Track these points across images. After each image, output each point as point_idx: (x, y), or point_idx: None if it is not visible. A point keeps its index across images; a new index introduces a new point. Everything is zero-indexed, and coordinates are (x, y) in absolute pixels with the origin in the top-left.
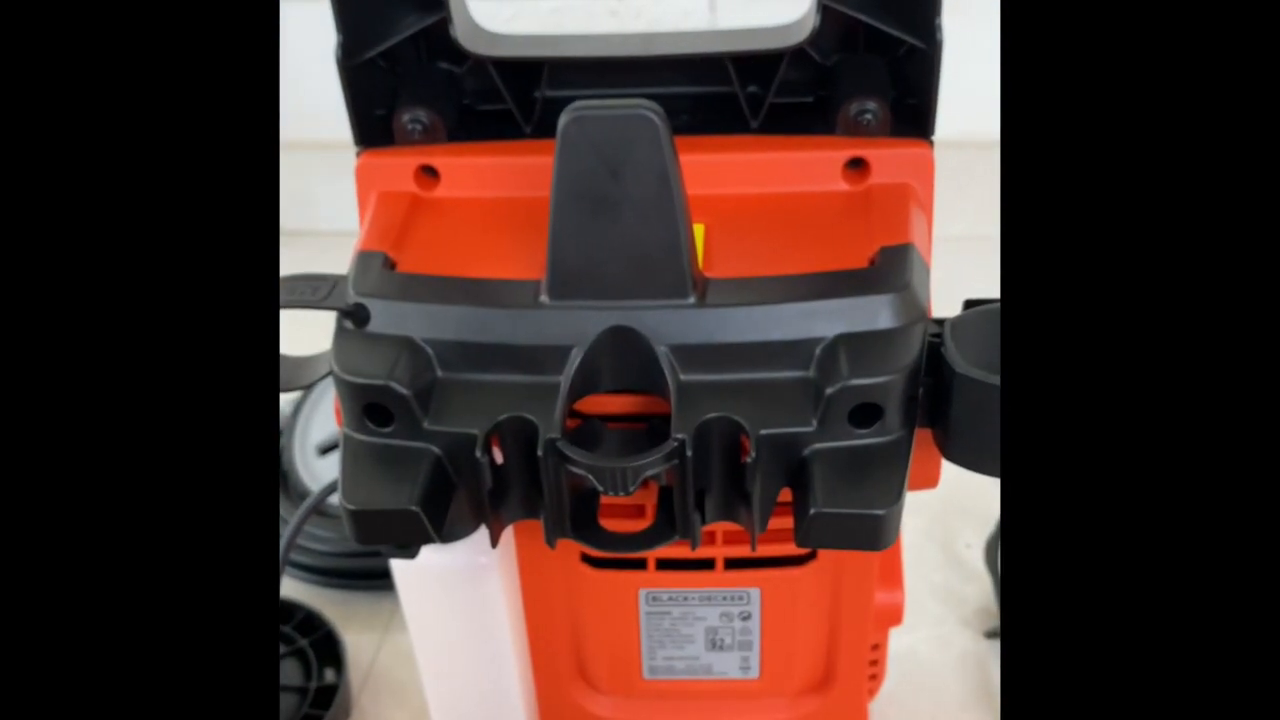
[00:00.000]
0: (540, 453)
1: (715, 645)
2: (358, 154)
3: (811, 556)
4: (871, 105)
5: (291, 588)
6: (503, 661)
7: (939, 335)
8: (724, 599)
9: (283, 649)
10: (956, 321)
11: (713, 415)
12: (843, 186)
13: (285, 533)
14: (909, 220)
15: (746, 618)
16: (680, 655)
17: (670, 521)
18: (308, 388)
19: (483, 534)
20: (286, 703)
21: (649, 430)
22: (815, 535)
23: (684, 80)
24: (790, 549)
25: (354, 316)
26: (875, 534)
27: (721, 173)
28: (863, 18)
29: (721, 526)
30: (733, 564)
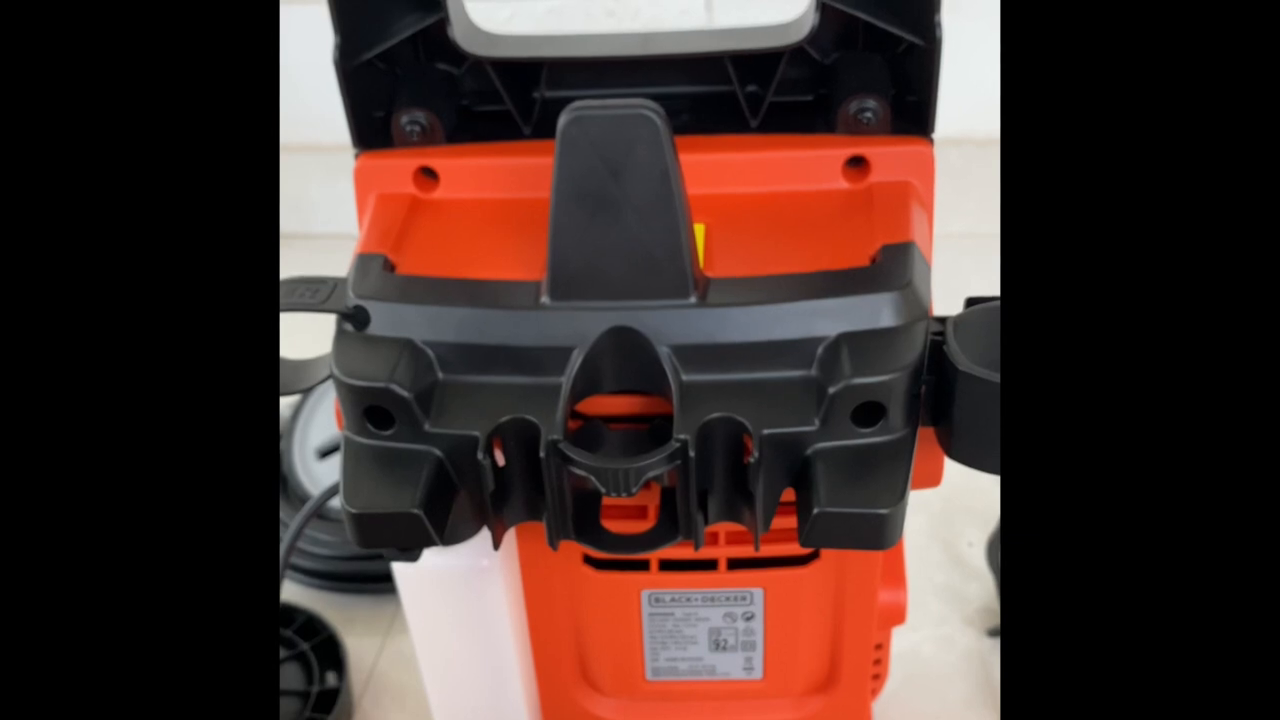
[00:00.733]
0: (542, 454)
1: (718, 646)
2: (356, 156)
3: (815, 556)
4: (871, 103)
5: (292, 591)
6: (505, 664)
7: (941, 333)
8: (727, 599)
9: (284, 653)
10: (959, 319)
11: (715, 415)
12: (843, 185)
13: (286, 536)
14: (910, 218)
15: (750, 618)
16: (683, 656)
17: (673, 522)
18: (307, 391)
19: (485, 536)
20: (288, 707)
21: (651, 431)
22: (819, 535)
23: (683, 80)
24: (793, 549)
25: (354, 319)
26: (879, 533)
27: (721, 172)
28: (862, 15)
29: (724, 527)
30: (736, 564)
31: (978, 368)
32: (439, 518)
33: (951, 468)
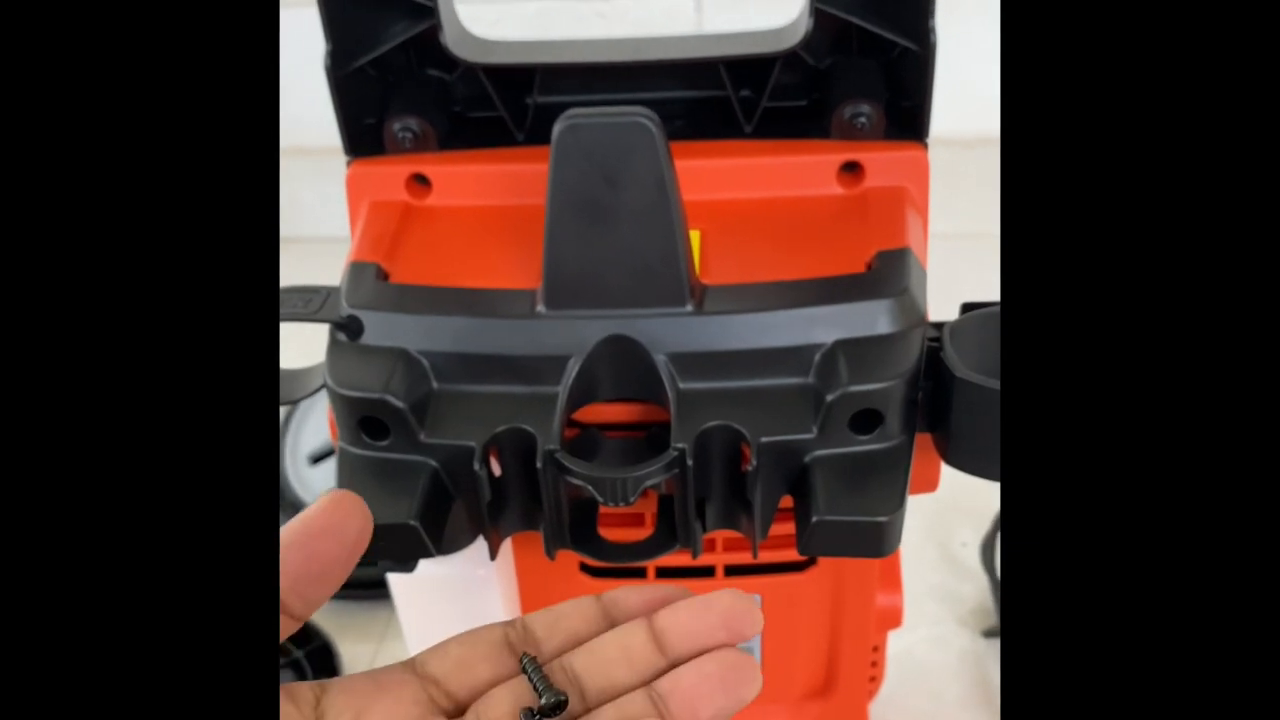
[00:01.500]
0: (539, 464)
1: None
2: (348, 163)
3: (812, 563)
4: (865, 108)
5: None
6: None
7: (938, 339)
8: None
9: None
10: (955, 326)
11: (713, 423)
12: (838, 190)
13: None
14: (905, 224)
15: None
16: None
17: (671, 530)
18: (301, 400)
19: (481, 545)
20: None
21: (648, 439)
22: (817, 543)
23: (677, 85)
24: (791, 555)
25: (347, 329)
26: (878, 540)
27: (716, 178)
28: (856, 20)
29: (721, 533)
30: (733, 571)
31: (974, 374)
32: (435, 528)
33: (945, 467)
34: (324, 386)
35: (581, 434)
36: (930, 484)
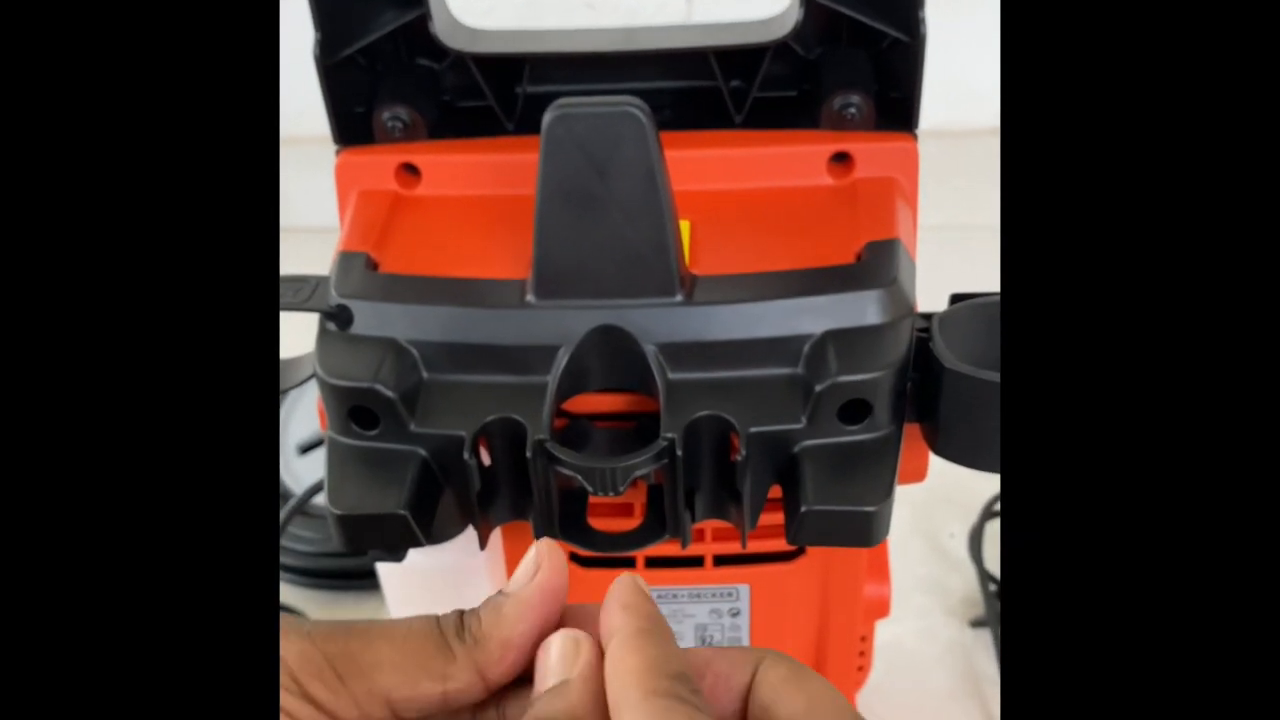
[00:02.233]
0: (529, 454)
1: (705, 642)
2: (337, 153)
3: (800, 552)
4: (855, 99)
5: None
6: None
7: (927, 330)
8: (713, 596)
9: None
10: (944, 316)
11: (702, 414)
12: (827, 181)
13: None
14: (894, 215)
15: (736, 614)
16: None
17: (660, 520)
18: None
19: (470, 534)
20: None
21: (638, 429)
22: (806, 532)
23: (667, 75)
24: (779, 545)
25: (337, 318)
26: (866, 530)
27: (706, 168)
28: (846, 11)
29: (710, 523)
30: (722, 561)
31: (964, 365)
32: (425, 518)
33: (933, 459)
34: (313, 376)
35: (571, 424)
36: (918, 474)
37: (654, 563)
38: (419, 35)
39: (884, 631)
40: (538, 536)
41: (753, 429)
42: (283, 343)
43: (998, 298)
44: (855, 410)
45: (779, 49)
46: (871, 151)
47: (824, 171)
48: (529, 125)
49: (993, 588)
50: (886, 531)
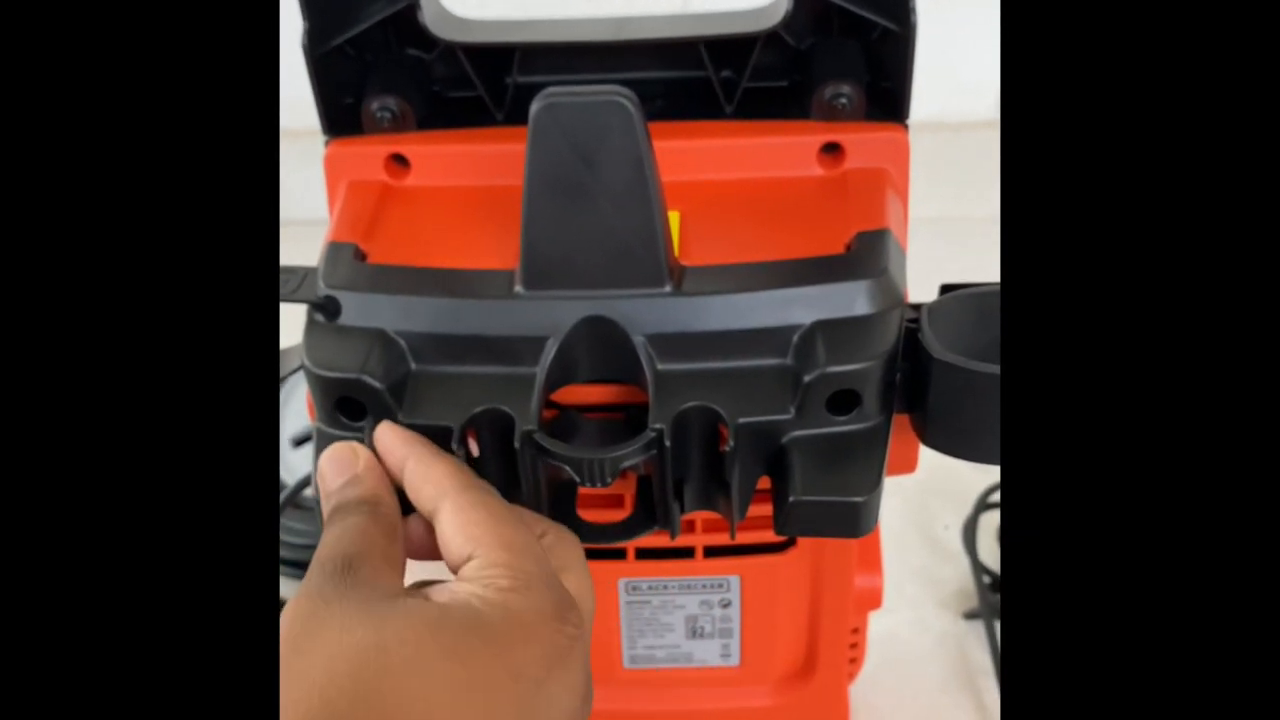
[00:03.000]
0: (517, 445)
1: (695, 633)
2: (326, 143)
3: (791, 543)
4: (846, 89)
5: None
6: None
7: (916, 320)
8: (704, 587)
9: None
10: (933, 307)
11: (691, 404)
12: (818, 171)
13: None
14: (885, 205)
15: (726, 605)
16: (660, 644)
17: (649, 511)
18: (279, 381)
19: None
20: None
21: (626, 420)
22: (794, 523)
23: (657, 65)
24: (769, 536)
25: (325, 309)
26: (854, 520)
27: (696, 158)
28: (836, 0)
29: (700, 515)
30: (712, 552)
31: (952, 355)
32: (413, 509)
33: (927, 450)
34: (301, 368)
35: (560, 415)
36: (908, 465)
37: (644, 554)
38: (408, 25)
39: (877, 623)
40: None
41: (741, 420)
42: None
43: (987, 288)
44: (844, 401)
45: (769, 39)
46: (862, 142)
47: (814, 162)
48: (519, 116)
49: (986, 580)
50: (875, 522)
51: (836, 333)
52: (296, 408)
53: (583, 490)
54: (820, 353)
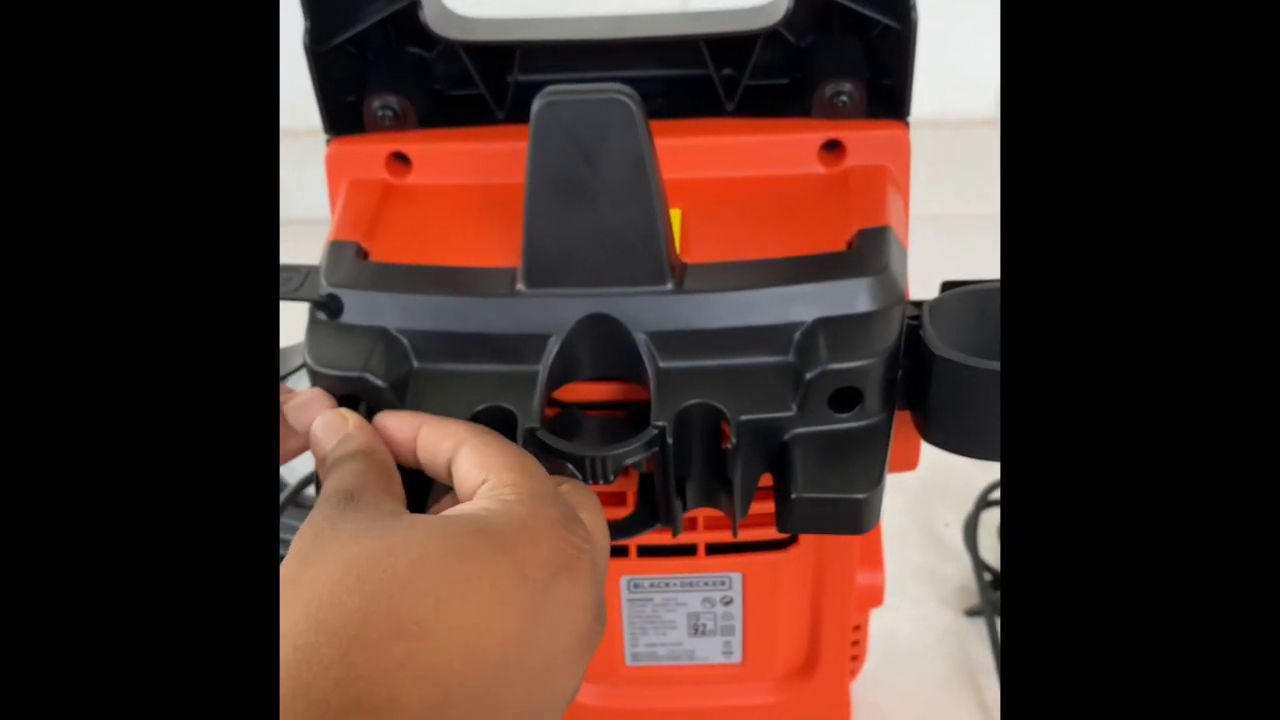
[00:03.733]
0: (519, 442)
1: (698, 631)
2: (327, 141)
3: (793, 541)
4: (847, 87)
5: None
6: None
7: (917, 318)
8: (706, 584)
9: None
10: (934, 304)
11: (693, 402)
12: (819, 169)
13: None
14: (886, 202)
15: (728, 603)
16: (663, 642)
17: (651, 509)
18: (281, 379)
19: None
20: None
21: (628, 418)
22: (796, 520)
23: (658, 63)
24: (772, 533)
25: (327, 308)
26: (857, 518)
27: (697, 156)
28: None
29: (702, 512)
30: (714, 549)
31: (954, 352)
32: (415, 507)
33: (928, 448)
34: (303, 366)
35: (562, 413)
36: (910, 462)
37: (646, 551)
38: (409, 23)
39: (878, 620)
40: None
41: (743, 417)
42: None
43: (988, 285)
44: (846, 398)
45: (770, 37)
46: (863, 139)
47: (815, 159)
48: (520, 114)
49: (988, 577)
50: (877, 519)
51: (838, 330)
52: None
53: None
54: (822, 350)
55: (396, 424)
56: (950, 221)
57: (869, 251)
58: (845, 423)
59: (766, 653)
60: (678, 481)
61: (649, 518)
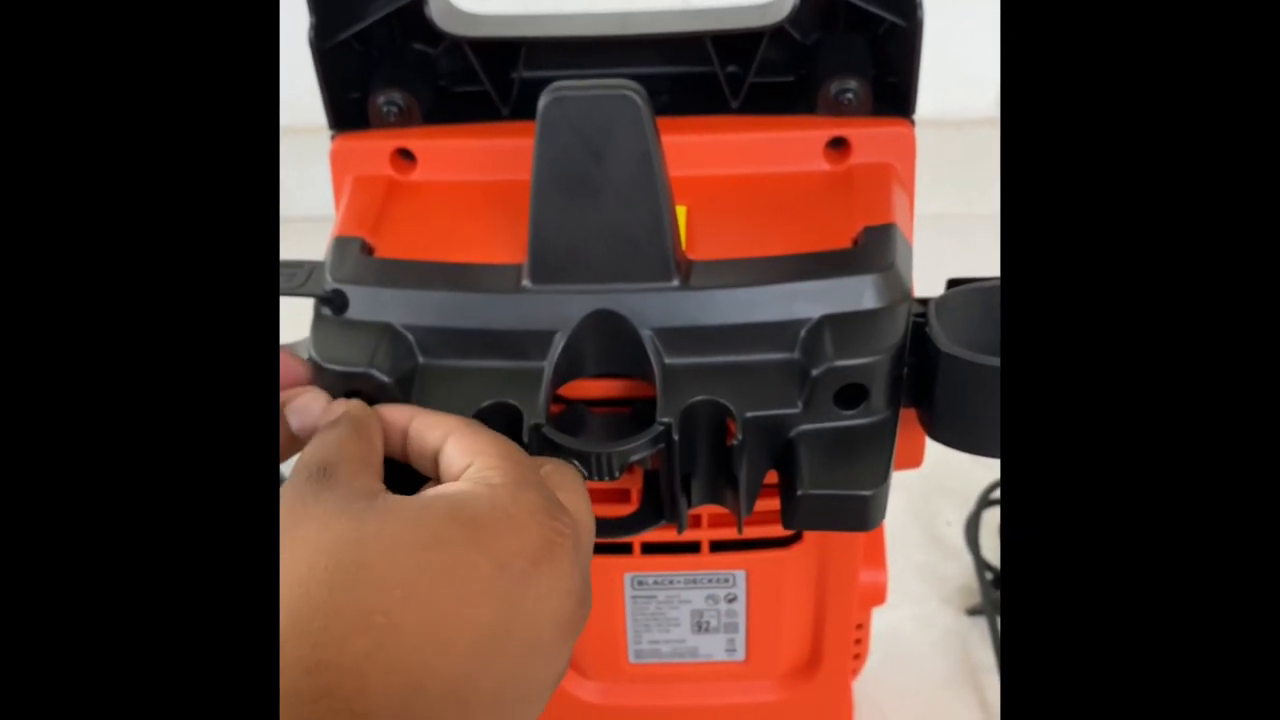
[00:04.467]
0: (525, 439)
1: (701, 628)
2: (332, 138)
3: (797, 538)
4: (852, 84)
5: None
6: None
7: (923, 315)
8: (709, 582)
9: None
10: (940, 301)
11: (698, 398)
12: (824, 166)
13: None
14: (891, 200)
15: (732, 600)
16: (666, 639)
17: (656, 506)
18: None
19: None
20: None
21: (634, 414)
22: (802, 517)
23: (663, 60)
24: (776, 531)
25: (332, 303)
26: (862, 515)
27: (702, 153)
28: None
29: (706, 509)
30: (718, 546)
31: (959, 349)
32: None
33: (930, 446)
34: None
35: (567, 409)
36: (915, 460)
37: (650, 548)
38: (414, 19)
39: (880, 619)
40: None
41: (749, 414)
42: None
43: (994, 283)
44: (851, 395)
45: (775, 34)
46: (868, 137)
47: (821, 157)
48: (525, 110)
49: (989, 576)
50: (883, 516)
51: (844, 327)
52: None
53: (590, 484)
54: (828, 347)
55: (390, 416)
56: (951, 221)
57: (875, 248)
58: (851, 419)
59: (770, 650)
60: (683, 478)
61: (654, 514)
